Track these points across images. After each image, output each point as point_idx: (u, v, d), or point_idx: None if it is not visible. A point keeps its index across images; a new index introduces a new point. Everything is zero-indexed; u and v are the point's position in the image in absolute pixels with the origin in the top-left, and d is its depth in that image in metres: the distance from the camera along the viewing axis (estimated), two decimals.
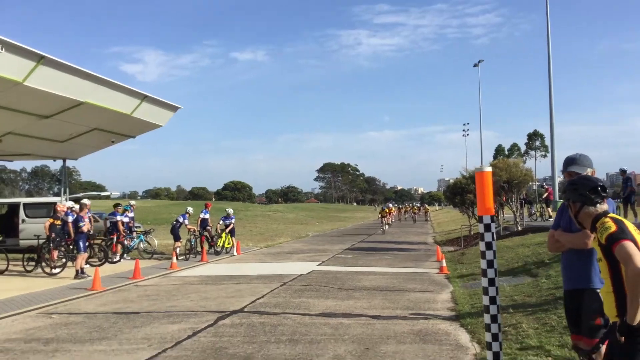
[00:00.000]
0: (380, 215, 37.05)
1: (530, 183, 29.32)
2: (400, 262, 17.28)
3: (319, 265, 16.50)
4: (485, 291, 4.25)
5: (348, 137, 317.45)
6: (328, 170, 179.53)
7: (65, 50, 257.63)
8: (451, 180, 31.06)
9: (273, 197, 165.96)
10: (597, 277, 3.77)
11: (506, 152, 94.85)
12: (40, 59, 11.52)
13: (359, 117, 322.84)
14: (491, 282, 4.24)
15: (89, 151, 19.50)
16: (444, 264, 14.63)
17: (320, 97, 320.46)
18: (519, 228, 21.93)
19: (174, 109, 17.57)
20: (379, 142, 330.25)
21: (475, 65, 63.51)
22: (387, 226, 36.16)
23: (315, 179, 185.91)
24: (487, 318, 4.25)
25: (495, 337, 4.19)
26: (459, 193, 24.23)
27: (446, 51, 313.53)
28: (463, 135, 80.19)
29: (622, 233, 3.03)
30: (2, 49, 10.34)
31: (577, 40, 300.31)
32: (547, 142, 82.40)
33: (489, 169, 4.33)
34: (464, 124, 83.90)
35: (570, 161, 4.17)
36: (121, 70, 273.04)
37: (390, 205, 47.87)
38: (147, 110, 16.15)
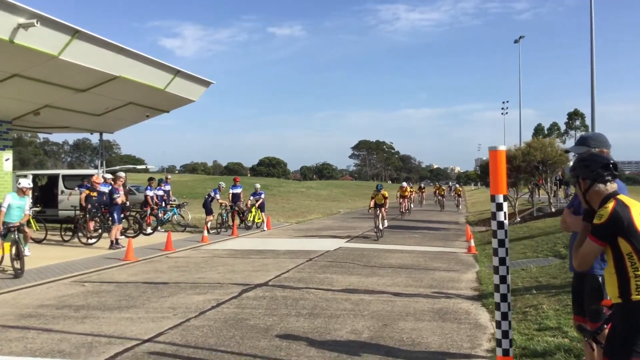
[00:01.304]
0: (371, 204, 18.15)
1: (568, 163, 28.68)
2: (428, 240, 17.24)
3: (346, 242, 16.60)
4: (496, 270, 4.25)
5: (384, 115, 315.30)
6: (363, 148, 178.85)
7: (106, 25, 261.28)
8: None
9: (307, 173, 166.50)
10: (598, 262, 3.76)
11: (545, 132, 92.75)
12: (74, 33, 11.77)
13: (396, 94, 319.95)
14: (502, 261, 4.23)
15: (124, 125, 19.91)
16: (472, 243, 14.54)
17: (357, 74, 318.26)
18: (553, 209, 21.57)
19: (206, 84, 17.75)
20: (415, 120, 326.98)
21: (516, 42, 61.69)
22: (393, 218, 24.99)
23: (350, 157, 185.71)
24: (497, 297, 4.25)
25: (504, 316, 4.20)
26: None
27: (487, 27, 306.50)
28: (502, 113, 78.34)
29: (605, 229, 3.03)
30: (37, 23, 10.60)
31: (624, 12, 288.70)
32: (588, 121, 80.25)
33: (503, 148, 4.30)
34: (503, 102, 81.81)
35: (583, 140, 4.11)
36: (160, 45, 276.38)
37: (405, 184, 31.46)
38: (180, 85, 16.37)
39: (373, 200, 17.95)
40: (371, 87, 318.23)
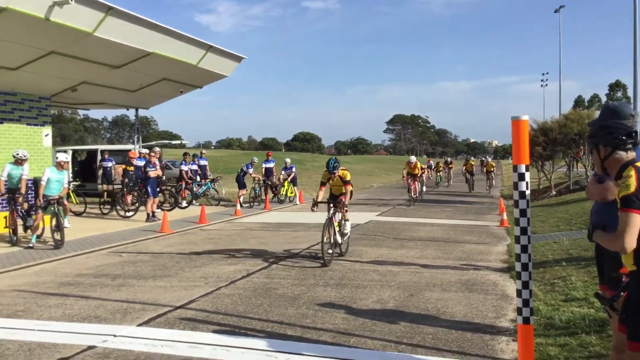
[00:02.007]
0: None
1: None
2: (461, 214, 17.15)
3: (378, 215, 16.65)
4: (517, 239, 4.26)
5: (419, 88, 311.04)
6: (398, 122, 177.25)
7: (141, 2, 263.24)
8: None
9: (342, 148, 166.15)
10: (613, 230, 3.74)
11: (586, 104, 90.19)
12: (108, 10, 11.95)
13: (431, 67, 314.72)
14: (523, 230, 4.23)
15: (159, 101, 20.19)
16: (505, 217, 14.41)
17: (392, 47, 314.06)
18: None
19: (238, 59, 17.83)
20: (452, 93, 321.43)
21: (556, 11, 59.83)
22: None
23: (385, 131, 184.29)
24: (517, 266, 4.27)
25: (525, 285, 4.21)
26: None
27: None
28: (541, 85, 76.58)
29: (637, 200, 2.95)
30: (72, 0, 10.80)
31: None
32: (630, 92, 77.72)
33: (525, 118, 4.27)
34: (543, 74, 79.74)
35: (608, 110, 4.05)
36: (195, 21, 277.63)
37: (414, 158, 22.09)
38: (212, 61, 16.49)
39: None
40: (406, 61, 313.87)
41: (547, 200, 20.30)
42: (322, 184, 10.06)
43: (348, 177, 9.96)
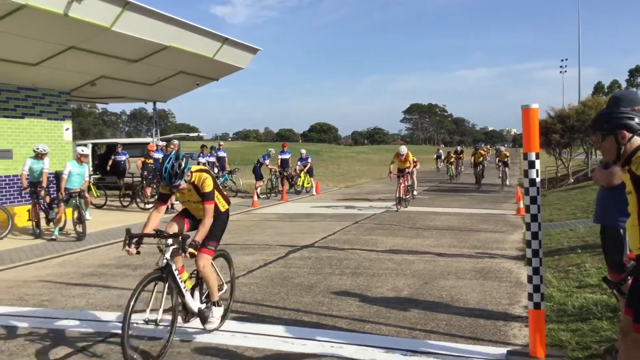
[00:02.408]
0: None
1: None
2: (477, 203, 17.15)
3: (394, 205, 16.70)
4: (528, 226, 4.33)
5: (436, 77, 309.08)
6: (415, 111, 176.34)
7: None
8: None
9: (359, 138, 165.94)
10: (620, 215, 3.85)
11: (605, 90, 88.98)
12: (125, 5, 12.14)
13: (449, 54, 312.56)
14: (534, 217, 4.30)
15: (176, 94, 20.43)
16: (522, 205, 14.37)
17: (408, 36, 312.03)
18: None
19: (253, 51, 17.97)
20: (469, 81, 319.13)
21: None
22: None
23: (402, 121, 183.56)
24: (528, 252, 4.35)
25: (536, 271, 4.29)
26: (543, 133, 23.24)
27: None
28: (560, 72, 75.78)
29: None
30: None
31: None
32: None
33: (535, 106, 4.32)
34: (562, 60, 78.67)
35: (616, 100, 4.10)
36: (211, 13, 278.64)
37: (404, 149, 17.02)
38: (228, 53, 16.65)
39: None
40: (423, 49, 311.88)
41: (565, 188, 20.19)
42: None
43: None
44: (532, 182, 4.32)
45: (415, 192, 18.68)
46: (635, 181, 3.12)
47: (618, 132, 3.29)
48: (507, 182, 23.76)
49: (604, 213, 4.14)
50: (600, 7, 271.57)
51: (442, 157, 34.11)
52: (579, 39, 53.54)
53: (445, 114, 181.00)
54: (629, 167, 3.18)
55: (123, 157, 19.04)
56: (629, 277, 3.30)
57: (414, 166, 17.75)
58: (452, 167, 30.03)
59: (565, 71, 76.45)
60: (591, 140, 21.93)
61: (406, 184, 16.32)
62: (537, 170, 4.31)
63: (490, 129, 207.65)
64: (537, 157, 4.31)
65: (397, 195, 15.52)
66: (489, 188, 23.53)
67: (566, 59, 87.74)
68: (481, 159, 24.90)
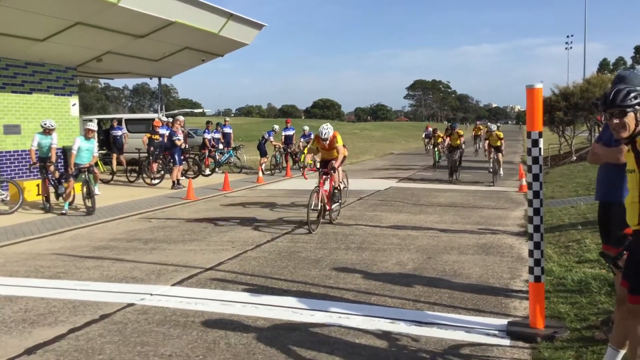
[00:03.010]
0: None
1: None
2: (480, 179, 17.29)
3: (397, 182, 16.88)
4: (530, 203, 4.49)
5: (441, 53, 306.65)
6: (418, 88, 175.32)
7: None
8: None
9: (362, 115, 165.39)
10: (624, 191, 3.99)
11: (611, 67, 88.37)
12: None
13: (454, 30, 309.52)
14: (536, 194, 4.46)
15: (181, 69, 20.48)
16: (524, 182, 14.51)
17: (413, 10, 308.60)
18: None
19: (258, 26, 17.97)
20: (474, 57, 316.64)
21: None
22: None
23: (405, 97, 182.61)
24: (530, 228, 4.51)
25: (537, 246, 4.46)
26: (547, 111, 23.22)
27: None
28: (566, 48, 74.96)
29: None
30: None
31: None
32: None
33: (539, 86, 4.44)
34: (568, 36, 77.75)
35: (622, 78, 4.21)
36: None
37: (327, 129, 10.24)
38: (233, 29, 16.67)
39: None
40: (428, 24, 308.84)
41: (567, 165, 20.30)
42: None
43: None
44: (535, 160, 4.46)
45: (347, 190, 12.27)
46: (639, 159, 3.24)
47: (639, 109, 3.36)
48: (501, 173, 17.90)
49: (610, 190, 4.24)
50: None
51: (431, 136, 27.73)
52: (585, 14, 52.90)
53: (449, 90, 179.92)
54: (633, 147, 3.30)
55: (119, 132, 19.15)
56: (625, 252, 3.47)
57: (342, 157, 10.27)
58: (439, 149, 22.93)
59: (571, 47, 75.71)
60: (595, 117, 21.96)
61: (331, 185, 9.90)
62: (540, 149, 4.45)
63: (494, 105, 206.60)
64: (541, 135, 4.45)
65: (311, 205, 9.13)
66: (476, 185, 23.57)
67: (572, 35, 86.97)
68: (458, 142, 18.18)
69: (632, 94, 3.39)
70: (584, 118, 22.62)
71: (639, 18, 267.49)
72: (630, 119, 3.36)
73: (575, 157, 22.18)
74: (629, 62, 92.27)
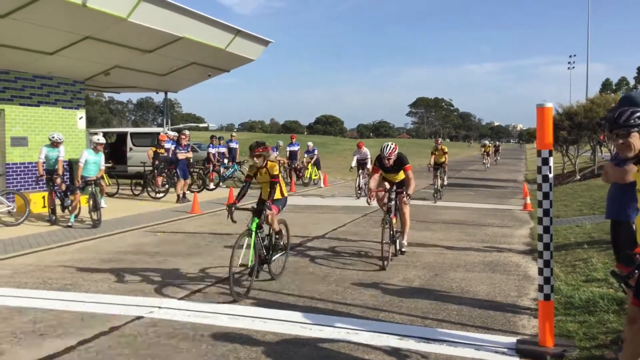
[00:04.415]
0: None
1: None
2: (484, 198, 17.32)
3: None
4: (540, 221, 4.52)
5: (443, 71, 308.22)
6: (421, 105, 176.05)
7: None
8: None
9: (364, 131, 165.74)
10: (633, 211, 4.07)
11: (614, 87, 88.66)
12: None
13: (457, 49, 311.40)
14: (546, 212, 4.49)
15: (187, 84, 20.61)
16: (529, 201, 14.54)
17: (416, 29, 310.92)
18: None
19: (265, 43, 18.12)
20: (477, 76, 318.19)
21: None
22: None
23: (408, 114, 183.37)
24: (540, 246, 4.54)
25: (547, 264, 4.48)
26: None
27: None
28: (568, 68, 75.27)
29: None
30: None
31: None
32: None
33: (550, 105, 4.50)
34: (570, 56, 77.83)
35: (630, 99, 4.28)
36: (218, 3, 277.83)
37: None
38: (240, 45, 16.81)
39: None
40: (431, 43, 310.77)
41: (571, 185, 20.32)
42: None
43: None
44: (546, 178, 4.50)
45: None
46: None
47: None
48: (445, 183, 17.38)
49: (621, 209, 4.31)
50: (609, 2, 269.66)
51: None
52: (587, 34, 53.24)
53: (452, 108, 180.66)
54: None
55: (168, 146, 19.14)
56: (637, 271, 3.49)
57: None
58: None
59: (574, 67, 75.97)
60: (598, 137, 22.02)
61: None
62: (550, 167, 4.49)
63: (496, 124, 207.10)
64: (551, 154, 4.49)
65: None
66: (495, 183, 23.62)
67: (574, 55, 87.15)
68: (443, 158, 17.29)
69: (636, 114, 3.46)
70: (588, 137, 22.69)
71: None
72: (635, 138, 3.42)
73: (579, 177, 22.20)
74: (632, 82, 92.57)
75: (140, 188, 17.32)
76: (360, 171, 17.79)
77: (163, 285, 6.75)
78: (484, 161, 35.96)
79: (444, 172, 17.91)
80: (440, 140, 18.47)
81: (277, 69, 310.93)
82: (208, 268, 7.68)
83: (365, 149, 18.28)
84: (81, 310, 5.75)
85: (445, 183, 17.95)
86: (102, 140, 12.02)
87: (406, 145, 78.34)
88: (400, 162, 8.45)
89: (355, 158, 18.10)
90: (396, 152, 8.45)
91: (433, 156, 17.64)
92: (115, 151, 22.32)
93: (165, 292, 6.44)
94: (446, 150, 18.03)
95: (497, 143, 47.56)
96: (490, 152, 37.01)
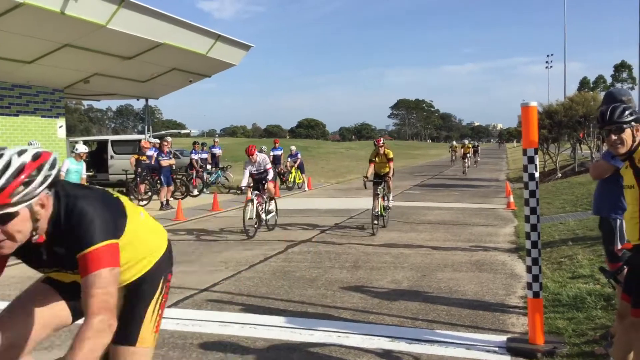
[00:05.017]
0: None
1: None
2: (468, 198, 17.44)
3: None
4: (527, 219, 4.55)
5: (424, 72, 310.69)
6: (402, 107, 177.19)
7: None
8: None
9: (346, 134, 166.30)
10: (614, 207, 4.16)
11: (591, 85, 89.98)
12: (120, 2, 12.24)
13: (436, 50, 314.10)
14: (533, 210, 4.52)
15: (168, 90, 20.52)
16: (512, 199, 14.66)
17: (397, 31, 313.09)
18: None
19: (246, 47, 18.10)
20: (457, 77, 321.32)
21: None
22: None
23: (389, 116, 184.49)
24: (527, 244, 4.57)
25: (535, 262, 4.51)
26: None
27: None
28: (546, 67, 76.18)
29: None
30: None
31: None
32: (636, 73, 77.24)
33: (534, 104, 4.53)
34: (548, 55, 78.64)
35: (613, 96, 4.35)
36: (198, 8, 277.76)
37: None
38: (221, 50, 16.78)
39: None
40: (412, 44, 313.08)
41: (553, 182, 20.55)
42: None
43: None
44: (532, 177, 4.53)
45: None
46: (638, 176, 3.30)
47: (635, 125, 3.45)
48: (390, 204, 12.35)
49: (602, 205, 4.42)
50: (585, 2, 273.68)
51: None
52: (564, 34, 53.92)
53: (432, 109, 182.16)
54: (631, 163, 3.37)
55: (151, 153, 18.97)
56: (625, 267, 3.52)
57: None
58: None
59: (551, 66, 76.83)
60: (577, 135, 22.31)
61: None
62: (536, 165, 4.53)
63: (477, 124, 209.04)
64: (536, 152, 4.53)
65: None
66: (478, 183, 23.79)
67: (552, 54, 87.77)
68: (387, 168, 11.90)
69: (628, 111, 3.49)
70: (568, 135, 22.98)
71: (617, 37, 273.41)
72: (627, 135, 3.44)
73: (560, 174, 22.45)
74: (609, 80, 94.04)
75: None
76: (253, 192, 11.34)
77: None
78: (463, 165, 31.38)
79: (389, 188, 11.91)
80: (382, 140, 12.21)
81: (258, 74, 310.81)
82: (195, 275, 7.61)
83: (261, 156, 11.69)
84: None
85: (391, 205, 12.23)
86: (85, 149, 11.88)
87: (390, 147, 78.77)
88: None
89: (246, 171, 11.41)
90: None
91: (372, 165, 11.87)
92: (96, 159, 22.12)
93: None
94: (391, 156, 11.92)
95: (476, 143, 44.86)
96: (469, 154, 32.74)
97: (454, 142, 44.06)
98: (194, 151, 20.26)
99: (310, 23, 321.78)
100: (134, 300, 2.64)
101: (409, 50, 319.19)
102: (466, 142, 37.02)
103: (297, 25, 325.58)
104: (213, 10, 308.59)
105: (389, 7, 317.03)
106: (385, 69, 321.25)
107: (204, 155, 20.77)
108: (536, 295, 4.52)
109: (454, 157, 39.52)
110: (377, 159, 11.91)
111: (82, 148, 11.79)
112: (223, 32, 16.70)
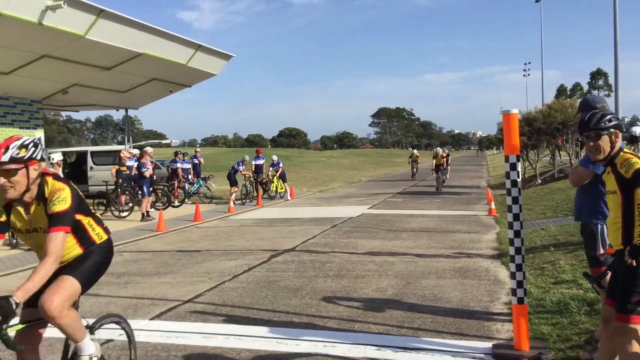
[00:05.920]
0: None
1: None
2: (450, 205, 17.52)
3: (369, 208, 16.97)
4: (510, 225, 4.57)
5: (404, 81, 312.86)
6: (383, 116, 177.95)
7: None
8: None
9: (328, 143, 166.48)
10: (594, 213, 4.22)
11: (568, 92, 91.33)
12: (99, 13, 12.14)
13: (416, 59, 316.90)
14: (516, 217, 4.54)
15: (149, 100, 20.38)
16: (493, 206, 14.77)
17: (376, 40, 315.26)
18: None
19: (227, 57, 18.07)
20: (436, 85, 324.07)
21: (537, 1, 60.40)
22: None
23: (370, 125, 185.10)
24: (511, 250, 4.59)
25: (519, 268, 4.53)
26: None
27: None
28: (524, 75, 77.14)
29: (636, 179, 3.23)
30: (64, 4, 10.98)
31: None
32: (612, 80, 78.59)
33: (515, 111, 4.58)
34: (525, 64, 79.53)
35: (589, 104, 4.43)
36: (178, 18, 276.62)
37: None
38: (202, 60, 16.72)
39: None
40: (391, 54, 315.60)
41: (533, 189, 20.75)
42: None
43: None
44: (514, 183, 4.57)
45: None
46: (621, 183, 3.33)
47: (613, 132, 3.49)
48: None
49: (581, 211, 4.48)
50: (561, 10, 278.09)
51: None
52: (541, 42, 54.71)
53: (413, 117, 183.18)
54: (613, 169, 3.40)
55: (131, 163, 18.76)
56: (609, 272, 3.55)
57: None
58: None
59: (529, 74, 77.88)
60: (556, 141, 22.59)
61: None
62: (518, 172, 4.56)
63: (457, 131, 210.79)
64: (519, 159, 4.57)
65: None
66: (460, 190, 23.92)
67: (529, 63, 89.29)
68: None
69: (606, 117, 3.53)
70: (547, 142, 23.26)
71: (594, 45, 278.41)
72: (604, 141, 3.48)
73: (540, 180, 22.69)
74: (585, 87, 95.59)
75: (103, 207, 16.95)
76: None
77: (131, 306, 6.58)
78: (437, 180, 23.76)
79: None
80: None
81: (239, 84, 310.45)
82: (178, 286, 7.52)
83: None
84: (47, 336, 5.53)
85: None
86: (61, 157, 11.72)
87: (372, 156, 79.01)
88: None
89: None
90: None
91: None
92: (75, 171, 21.83)
93: (134, 313, 6.27)
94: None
95: (446, 151, 31.07)
96: (443, 166, 24.95)
97: (415, 151, 34.20)
98: (177, 161, 20.08)
99: (289, 33, 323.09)
100: None
101: (388, 58, 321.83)
102: (439, 150, 26.23)
103: (277, 35, 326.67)
104: (193, 20, 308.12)
105: (367, 18, 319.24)
106: (365, 77, 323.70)
107: (186, 165, 20.59)
108: (521, 301, 4.54)
109: (415, 170, 32.27)
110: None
111: (57, 157, 11.63)
112: (204, 42, 16.68)
